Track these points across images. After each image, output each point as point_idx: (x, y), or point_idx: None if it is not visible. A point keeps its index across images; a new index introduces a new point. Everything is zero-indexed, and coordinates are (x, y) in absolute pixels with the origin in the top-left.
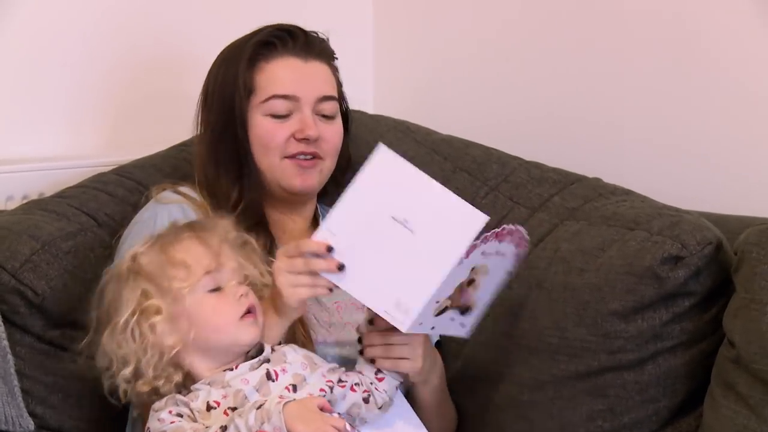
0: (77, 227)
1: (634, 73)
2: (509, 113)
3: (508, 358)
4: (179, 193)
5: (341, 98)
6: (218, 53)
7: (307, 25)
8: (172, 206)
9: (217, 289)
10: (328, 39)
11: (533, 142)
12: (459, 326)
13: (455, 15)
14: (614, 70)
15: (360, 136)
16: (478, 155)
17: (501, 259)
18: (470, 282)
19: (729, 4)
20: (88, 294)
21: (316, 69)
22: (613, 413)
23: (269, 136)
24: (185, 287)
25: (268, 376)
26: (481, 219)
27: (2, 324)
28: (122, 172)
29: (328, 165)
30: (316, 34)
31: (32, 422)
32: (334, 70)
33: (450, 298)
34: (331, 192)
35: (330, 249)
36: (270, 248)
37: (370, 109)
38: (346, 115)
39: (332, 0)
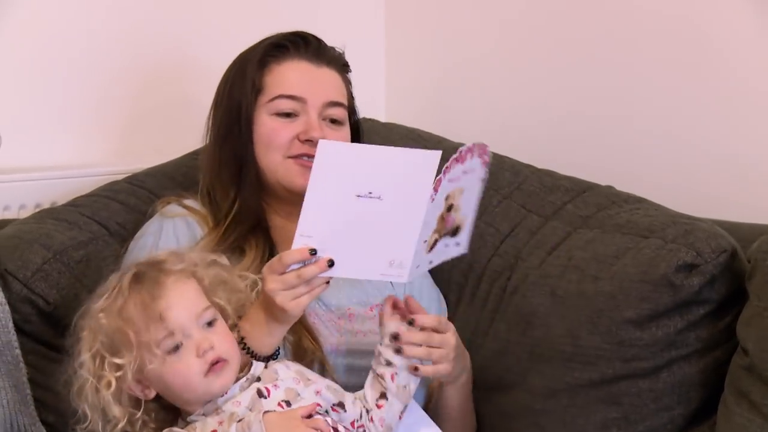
0: (89, 236)
1: (648, 81)
2: (521, 121)
3: (522, 366)
4: (184, 206)
5: (352, 110)
6: (230, 61)
7: (319, 35)
8: (177, 219)
9: (176, 348)
10: (343, 52)
11: (545, 150)
12: (455, 247)
13: (466, 23)
14: (628, 78)
15: (373, 143)
16: (490, 163)
17: (471, 175)
18: (449, 208)
19: (746, 11)
20: None
21: (327, 75)
22: (627, 421)
23: (273, 135)
24: (134, 357)
25: (260, 394)
26: (434, 156)
27: (15, 332)
28: (134, 180)
29: None
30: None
31: (45, 430)
32: (347, 82)
33: (436, 231)
34: None
35: (314, 252)
36: (270, 254)
37: (382, 117)
38: (357, 127)
39: (344, 9)
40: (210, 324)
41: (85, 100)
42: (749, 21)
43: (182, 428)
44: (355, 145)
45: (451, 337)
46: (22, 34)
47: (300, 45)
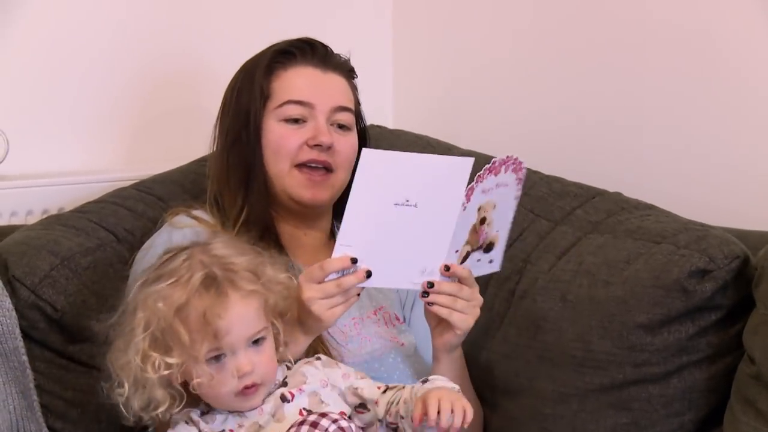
0: (96, 243)
1: (657, 88)
2: (529, 127)
3: (531, 370)
4: (193, 217)
5: (358, 116)
6: (238, 68)
7: (327, 42)
8: (186, 230)
9: (218, 358)
10: (349, 58)
11: (553, 157)
12: (488, 264)
13: (475, 28)
14: (637, 85)
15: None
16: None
17: (504, 189)
18: (482, 221)
19: (759, 19)
20: (107, 309)
21: (334, 80)
22: (637, 427)
23: (282, 141)
24: (182, 361)
25: (283, 399)
26: (466, 163)
27: (22, 339)
28: (142, 187)
29: (341, 178)
30: (338, 55)
31: None
32: (353, 87)
33: (468, 242)
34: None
35: (355, 261)
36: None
37: (390, 124)
38: (363, 134)
39: (352, 15)
40: (257, 342)
41: (92, 106)
42: (762, 29)
43: (205, 412)
44: (395, 153)
45: (478, 292)
46: (31, 40)
47: (306, 51)
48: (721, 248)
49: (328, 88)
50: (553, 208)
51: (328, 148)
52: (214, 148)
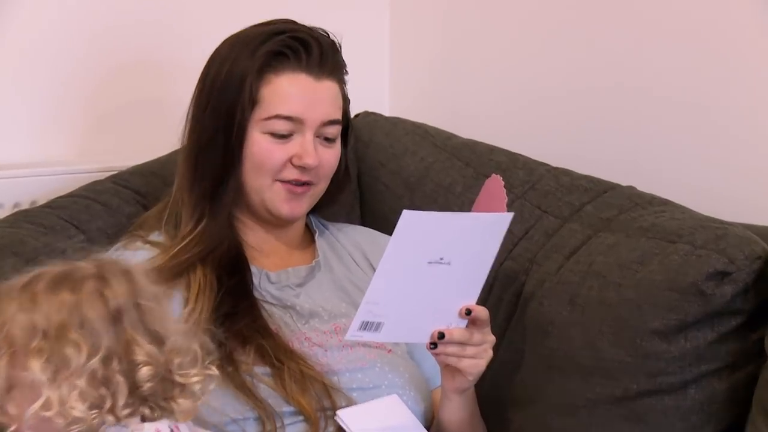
0: (65, 242)
1: (672, 77)
2: (534, 116)
3: (538, 380)
4: (149, 242)
5: (345, 114)
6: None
7: (320, 24)
8: (138, 252)
9: None
10: (341, 45)
11: (561, 147)
12: None
13: (475, 10)
14: (651, 72)
15: (376, 140)
16: (502, 161)
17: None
18: None
19: None
20: None
21: (327, 91)
22: None
23: (265, 156)
24: None
25: None
26: (507, 218)
27: None
28: (118, 180)
29: (320, 188)
30: (328, 35)
31: None
32: (343, 86)
33: None
34: (326, 204)
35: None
36: (241, 270)
37: (386, 111)
38: (347, 128)
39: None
40: None
41: (71, 93)
42: None
43: None
44: (437, 213)
45: (489, 332)
46: None
47: (300, 53)
48: (742, 248)
49: (319, 101)
50: (561, 204)
51: (313, 168)
52: (185, 142)
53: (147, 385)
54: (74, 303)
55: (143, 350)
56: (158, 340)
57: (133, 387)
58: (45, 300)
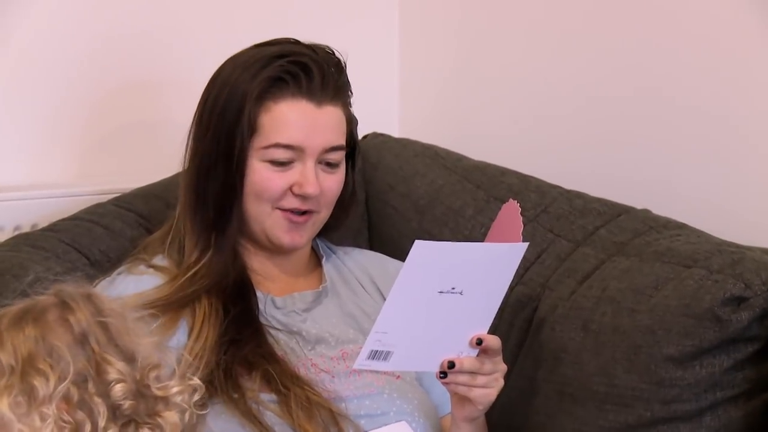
0: (67, 266)
1: (687, 94)
2: (546, 138)
3: (550, 407)
4: (153, 266)
5: (350, 136)
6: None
7: (327, 42)
8: (144, 277)
9: None
10: (346, 63)
11: (573, 169)
12: None
13: (486, 31)
14: (665, 89)
15: (384, 162)
16: (514, 183)
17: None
18: None
19: None
20: None
21: (329, 117)
22: None
23: (265, 185)
24: None
25: None
26: (521, 248)
27: None
28: (121, 202)
29: (323, 217)
30: (333, 53)
31: None
32: (347, 108)
33: None
34: (332, 228)
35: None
36: (246, 296)
37: (396, 132)
38: (353, 150)
39: (355, 15)
40: None
41: (72, 114)
42: None
43: None
44: (449, 244)
45: (501, 360)
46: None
47: (301, 79)
48: (759, 273)
49: (321, 128)
50: (575, 228)
51: (314, 197)
52: (186, 166)
53: (126, 404)
54: (39, 334)
55: (114, 368)
56: (129, 356)
57: (113, 408)
58: (9, 337)
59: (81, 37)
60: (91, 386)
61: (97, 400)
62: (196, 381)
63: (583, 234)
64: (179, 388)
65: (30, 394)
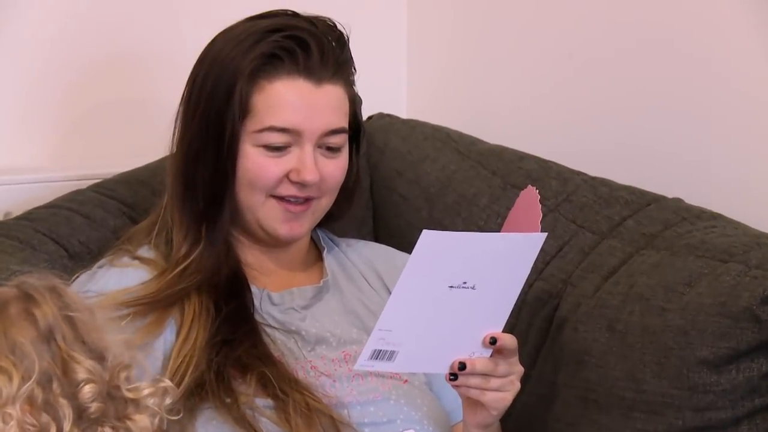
0: (44, 258)
1: (722, 74)
2: (568, 120)
3: (572, 415)
4: (138, 258)
5: (354, 117)
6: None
7: (330, 14)
8: (129, 269)
9: None
10: (349, 37)
11: (598, 154)
12: None
13: (500, 2)
14: (699, 69)
15: (391, 145)
16: (533, 169)
17: None
18: None
19: None
20: None
21: (329, 96)
22: None
23: (259, 172)
24: None
25: None
26: (539, 239)
27: None
28: (102, 189)
29: (324, 203)
30: (334, 25)
31: None
32: (349, 87)
33: None
34: (334, 217)
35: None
36: (240, 292)
37: (404, 113)
38: (357, 132)
39: None
40: None
41: (50, 96)
42: None
43: None
44: (459, 234)
45: (517, 361)
46: None
47: (297, 55)
48: None
49: (320, 110)
50: (600, 218)
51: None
52: (173, 151)
53: (94, 406)
54: (1, 328)
55: (83, 367)
56: (98, 354)
57: (80, 410)
58: None
59: (53, 6)
60: (56, 386)
61: (63, 401)
62: (167, 383)
63: (609, 225)
64: (150, 391)
65: None
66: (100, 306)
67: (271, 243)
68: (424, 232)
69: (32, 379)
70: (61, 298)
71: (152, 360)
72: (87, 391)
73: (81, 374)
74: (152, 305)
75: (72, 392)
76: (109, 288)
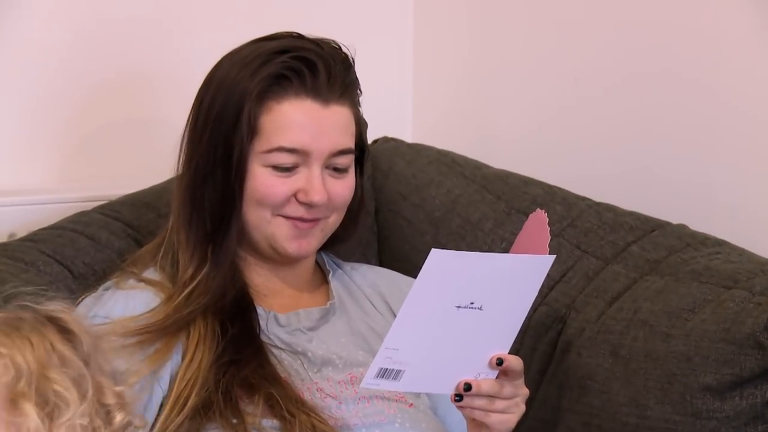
0: (48, 279)
1: (727, 100)
2: (573, 146)
3: None
4: (143, 280)
5: (359, 138)
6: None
7: (335, 37)
8: (136, 292)
9: None
10: (354, 59)
11: (602, 180)
12: None
13: (505, 30)
14: (704, 94)
15: (396, 169)
16: (538, 194)
17: None
18: None
19: None
20: None
21: (336, 117)
22: None
23: (267, 191)
24: None
25: None
26: (547, 261)
27: None
28: (107, 210)
29: (332, 222)
30: (339, 48)
31: None
32: (356, 108)
33: None
34: (339, 240)
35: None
36: (246, 314)
37: (409, 137)
38: (362, 153)
39: (368, 9)
40: None
41: (58, 116)
42: None
43: None
44: (468, 254)
45: (522, 383)
46: None
47: (305, 76)
48: None
49: (327, 131)
50: (604, 244)
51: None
52: (179, 172)
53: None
54: (48, 346)
55: (111, 391)
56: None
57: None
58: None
59: (61, 25)
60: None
61: (98, 422)
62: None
63: (614, 251)
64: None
65: (57, 403)
66: (108, 333)
67: (279, 261)
68: (433, 250)
69: (89, 396)
70: (83, 325)
71: (162, 383)
72: (119, 419)
73: (110, 399)
74: (160, 332)
75: (107, 418)
76: (115, 311)
